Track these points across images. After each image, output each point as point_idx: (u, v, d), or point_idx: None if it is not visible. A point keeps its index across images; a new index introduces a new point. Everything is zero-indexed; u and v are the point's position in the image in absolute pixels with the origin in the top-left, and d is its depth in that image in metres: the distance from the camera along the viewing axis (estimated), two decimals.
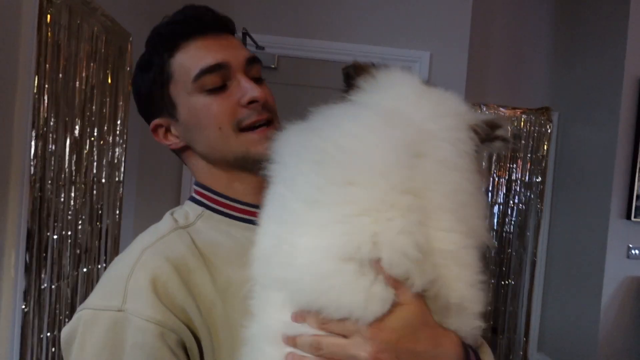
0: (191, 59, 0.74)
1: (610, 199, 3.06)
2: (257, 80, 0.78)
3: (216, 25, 0.77)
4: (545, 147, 3.70)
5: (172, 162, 2.86)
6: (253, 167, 0.73)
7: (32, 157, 1.65)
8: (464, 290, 0.61)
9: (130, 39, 2.40)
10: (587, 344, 3.18)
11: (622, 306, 3.09)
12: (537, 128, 3.70)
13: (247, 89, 0.74)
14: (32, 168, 1.66)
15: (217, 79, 0.73)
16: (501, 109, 3.65)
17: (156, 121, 0.81)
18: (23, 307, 1.67)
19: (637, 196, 3.02)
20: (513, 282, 3.77)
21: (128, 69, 2.38)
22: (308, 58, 2.88)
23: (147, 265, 0.67)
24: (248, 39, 2.73)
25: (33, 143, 1.65)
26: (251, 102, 0.73)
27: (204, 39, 0.75)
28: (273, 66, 2.86)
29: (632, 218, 3.02)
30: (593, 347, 3.11)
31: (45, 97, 1.71)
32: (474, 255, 0.64)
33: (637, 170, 3.01)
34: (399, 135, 0.59)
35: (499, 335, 3.80)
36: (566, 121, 3.64)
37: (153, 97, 0.79)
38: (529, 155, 3.71)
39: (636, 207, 3.02)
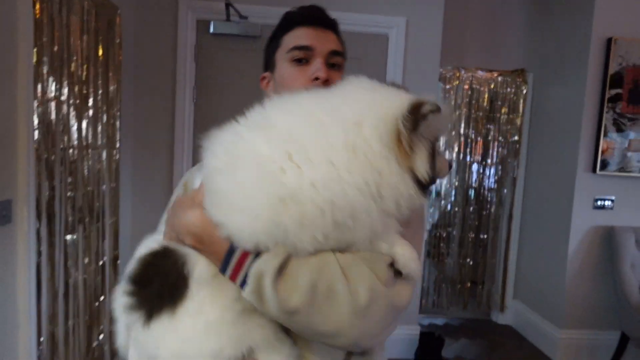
0: (293, 38, 1.02)
1: (577, 154, 3.26)
2: (334, 67, 1.02)
3: (322, 21, 1.03)
4: (522, 107, 3.87)
5: (163, 124, 3.04)
6: None
7: (35, 124, 1.83)
8: None
9: (119, 12, 2.53)
10: (555, 289, 3.45)
11: (588, 254, 3.33)
12: (513, 89, 3.86)
13: (317, 69, 0.99)
14: (36, 133, 1.84)
15: (301, 55, 1.00)
16: (479, 71, 3.81)
17: (264, 74, 1.11)
18: (37, 259, 1.89)
19: (602, 151, 3.22)
20: (491, 236, 4.02)
21: (117, 40, 2.53)
22: None
23: None
24: (232, 9, 2.86)
25: (35, 110, 1.83)
26: (316, 79, 0.98)
27: (308, 28, 1.02)
28: (257, 35, 2.99)
29: (597, 171, 3.23)
30: (561, 293, 3.37)
31: (45, 67, 1.88)
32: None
33: (602, 126, 3.20)
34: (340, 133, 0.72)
35: (479, 286, 4.07)
36: (540, 82, 3.80)
37: (268, 57, 1.10)
38: (505, 115, 3.89)
39: (601, 160, 3.23)
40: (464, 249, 4.02)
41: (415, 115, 0.70)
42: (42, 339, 1.97)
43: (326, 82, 0.98)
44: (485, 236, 4.02)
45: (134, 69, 2.97)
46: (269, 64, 1.09)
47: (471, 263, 4.03)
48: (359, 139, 0.71)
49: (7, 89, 1.70)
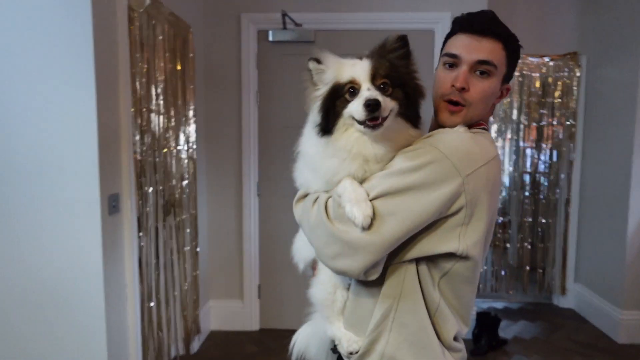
0: (451, 43, 1.12)
1: (633, 135, 3.25)
2: (481, 75, 1.08)
3: (480, 29, 1.07)
4: (576, 91, 3.87)
5: (231, 125, 3.40)
6: (438, 122, 1.15)
7: (133, 129, 2.22)
8: None
9: (191, 29, 2.91)
10: (616, 271, 3.44)
11: None
12: (566, 73, 3.87)
13: (456, 77, 1.08)
14: (134, 137, 2.23)
15: (450, 61, 1.10)
16: (529, 57, 3.86)
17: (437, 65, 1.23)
18: (139, 240, 2.29)
19: None
20: (550, 220, 4.05)
21: (191, 55, 2.90)
22: (341, 30, 3.27)
23: None
24: (287, 18, 3.16)
25: (132, 118, 2.22)
26: (453, 85, 1.08)
27: (466, 35, 1.08)
28: (311, 40, 3.27)
29: None
30: (622, 274, 3.37)
31: (138, 82, 2.26)
32: None
33: None
34: None
35: (539, 270, 4.11)
36: (594, 64, 3.78)
37: (441, 51, 1.19)
38: (559, 99, 3.91)
39: None
40: (522, 234, 4.08)
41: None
42: (151, 304, 2.37)
43: (463, 90, 1.07)
44: (544, 220, 4.06)
45: (205, 78, 3.35)
46: (440, 57, 1.19)
47: (529, 248, 4.08)
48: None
49: (112, 101, 2.09)
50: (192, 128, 2.96)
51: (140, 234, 2.32)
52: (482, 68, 1.07)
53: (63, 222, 1.99)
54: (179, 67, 2.75)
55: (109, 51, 2.05)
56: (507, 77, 1.14)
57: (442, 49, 1.17)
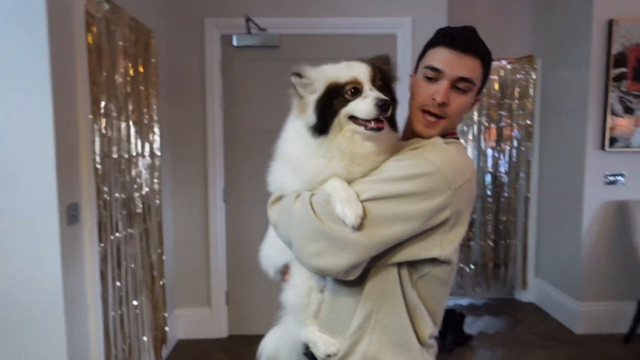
0: (432, 56, 1.14)
1: (586, 133, 3.41)
2: (459, 90, 1.11)
3: (463, 45, 1.10)
4: (532, 92, 4.03)
5: (196, 131, 3.37)
6: (412, 132, 1.18)
7: (93, 137, 2.17)
8: None
9: (153, 34, 2.86)
10: (573, 265, 3.60)
11: (602, 228, 3.47)
12: (523, 75, 4.02)
13: (436, 91, 1.11)
14: (94, 145, 2.18)
15: (431, 74, 1.12)
16: None
17: (411, 72, 1.25)
18: (101, 250, 2.23)
19: (610, 129, 3.35)
20: (511, 218, 4.19)
21: (153, 60, 2.86)
22: (305, 34, 3.29)
23: None
24: (251, 23, 3.16)
25: (91, 125, 2.17)
26: (433, 98, 1.11)
27: (448, 50, 1.10)
28: (276, 45, 3.28)
29: (607, 148, 3.37)
30: (578, 267, 3.52)
31: (97, 88, 2.21)
32: None
33: (608, 104, 3.34)
34: None
35: (501, 267, 4.25)
36: (548, 66, 3.94)
37: (417, 61, 1.22)
38: (516, 101, 4.05)
39: (610, 138, 3.36)
40: (485, 232, 4.20)
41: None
42: (115, 313, 2.32)
43: (443, 105, 1.10)
44: (505, 218, 4.20)
45: (169, 84, 3.31)
46: (416, 67, 1.21)
47: (492, 245, 4.22)
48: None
49: (69, 109, 2.03)
50: (155, 134, 2.91)
51: (102, 244, 2.26)
52: (462, 85, 1.11)
53: (20, 233, 1.92)
54: (141, 73, 2.71)
55: (65, 57, 2.00)
56: (480, 90, 1.19)
57: (420, 56, 1.20)
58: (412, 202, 0.99)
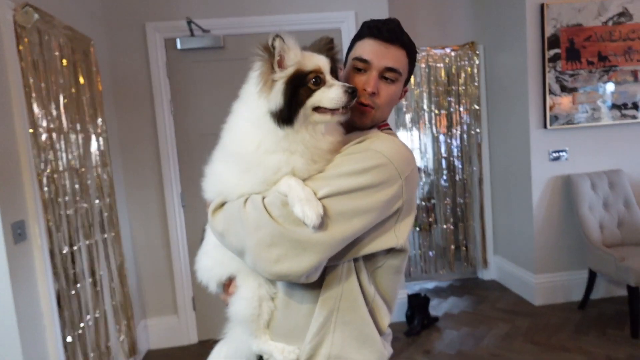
0: (360, 48, 1.15)
1: (528, 113, 3.56)
2: (387, 80, 1.14)
3: (388, 36, 1.12)
4: (477, 78, 4.17)
5: (147, 137, 3.31)
6: (347, 124, 1.14)
7: (35, 151, 2.11)
8: None
9: (92, 42, 2.80)
10: (526, 240, 3.76)
11: (550, 203, 3.64)
12: (467, 61, 4.15)
13: (367, 81, 1.12)
14: (37, 159, 2.12)
15: (360, 65, 1.13)
16: (433, 50, 4.09)
17: (340, 66, 1.19)
18: (54, 266, 2.18)
19: (550, 107, 3.52)
20: (467, 201, 4.32)
21: (94, 69, 2.79)
22: (249, 34, 3.29)
23: None
24: (194, 25, 3.13)
25: (32, 139, 2.10)
26: (364, 89, 1.12)
27: (375, 41, 1.13)
28: (220, 46, 3.26)
29: (548, 127, 3.53)
30: (531, 242, 3.68)
31: (35, 101, 2.15)
32: None
33: (546, 85, 3.50)
34: None
35: (462, 248, 4.38)
36: (489, 51, 4.09)
37: (346, 54, 1.23)
38: (463, 87, 4.18)
39: (551, 116, 3.53)
40: (443, 216, 4.33)
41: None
42: (70, 332, 2.26)
43: (373, 95, 1.13)
44: (462, 201, 4.33)
45: (114, 91, 3.24)
46: (345, 61, 1.22)
47: (452, 228, 4.34)
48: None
49: (5, 124, 1.97)
50: (104, 143, 2.85)
51: (55, 259, 2.20)
52: (389, 75, 1.14)
53: None
54: (82, 82, 2.64)
55: None
56: (407, 81, 1.22)
57: (349, 50, 1.22)
58: (368, 194, 0.99)
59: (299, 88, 1.00)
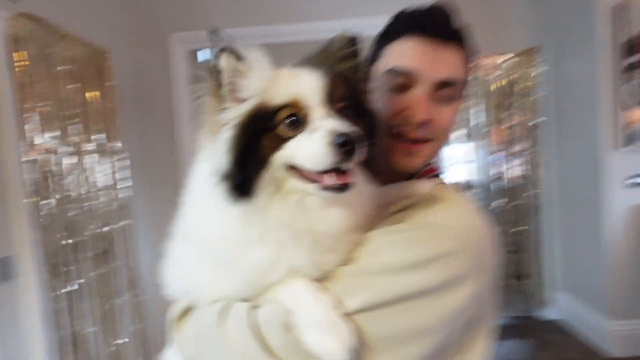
0: (396, 53, 0.79)
1: (597, 131, 3.04)
2: (443, 99, 0.79)
3: (444, 32, 0.79)
4: (538, 88, 3.67)
5: (166, 155, 3.08)
6: (384, 167, 0.77)
7: (32, 177, 1.88)
8: None
9: (108, 55, 2.58)
10: (597, 278, 3.21)
11: (627, 236, 3.08)
12: (525, 70, 3.67)
13: (413, 105, 0.76)
14: (34, 186, 1.89)
15: (399, 80, 0.78)
16: (486, 58, 3.65)
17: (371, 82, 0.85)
18: (44, 308, 1.93)
19: (624, 125, 2.98)
20: (525, 227, 3.81)
21: (109, 83, 2.57)
22: (278, 43, 2.99)
23: None
24: (216, 35, 2.87)
25: (28, 165, 1.88)
26: (408, 116, 0.77)
27: (422, 40, 0.77)
28: None
29: (624, 147, 2.99)
30: (603, 281, 3.13)
31: (36, 121, 1.93)
32: None
33: (620, 99, 2.97)
34: None
35: (520, 281, 3.85)
36: (553, 59, 3.59)
37: (372, 58, 0.85)
38: (521, 100, 3.70)
39: (626, 136, 2.98)
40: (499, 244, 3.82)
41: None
42: None
43: (424, 124, 0.77)
44: (519, 228, 3.82)
45: (134, 106, 3.03)
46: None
47: (508, 258, 3.84)
48: None
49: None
50: (121, 162, 2.62)
51: (52, 297, 1.96)
52: (446, 92, 0.78)
53: None
54: (93, 97, 2.42)
55: None
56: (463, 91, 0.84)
57: (373, 57, 0.83)
58: (431, 303, 0.64)
59: (261, 135, 0.63)
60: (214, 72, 0.63)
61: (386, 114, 0.79)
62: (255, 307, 0.65)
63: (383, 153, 0.80)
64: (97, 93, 2.45)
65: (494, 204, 3.81)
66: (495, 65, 3.68)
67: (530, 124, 3.72)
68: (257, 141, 0.63)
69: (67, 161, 2.15)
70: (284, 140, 0.63)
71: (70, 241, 2.14)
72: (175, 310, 0.75)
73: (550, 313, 3.84)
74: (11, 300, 1.80)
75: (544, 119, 3.70)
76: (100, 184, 2.41)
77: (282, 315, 0.62)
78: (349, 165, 0.62)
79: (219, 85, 0.64)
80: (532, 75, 3.67)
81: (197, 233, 0.71)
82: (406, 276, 0.62)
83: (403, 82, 0.78)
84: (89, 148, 2.34)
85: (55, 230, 2.02)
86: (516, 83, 3.70)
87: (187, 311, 0.74)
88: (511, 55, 3.66)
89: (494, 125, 3.75)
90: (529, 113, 3.71)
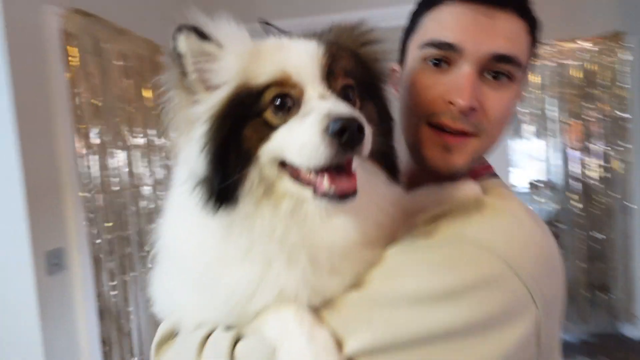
0: (435, 22, 0.66)
1: None
2: (497, 79, 0.63)
3: None
4: (624, 78, 3.27)
5: None
6: (420, 164, 0.65)
7: (85, 173, 1.89)
8: None
9: (161, 49, 2.58)
10: None
11: None
12: (610, 57, 3.28)
13: (456, 86, 0.62)
14: (85, 182, 1.90)
15: (440, 54, 0.64)
16: (562, 43, 3.30)
17: (393, 65, 0.73)
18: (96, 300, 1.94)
19: None
20: (608, 234, 3.41)
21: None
22: None
23: None
24: (270, 27, 2.80)
25: (79, 161, 1.89)
26: (450, 101, 0.62)
27: (471, 6, 0.63)
28: None
29: None
30: None
31: (87, 117, 1.94)
32: None
33: None
34: None
35: (600, 293, 3.46)
36: None
37: (402, 42, 0.73)
38: (604, 90, 3.32)
39: None
40: (574, 252, 3.45)
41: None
42: None
43: (472, 111, 0.61)
44: (600, 234, 3.43)
45: None
46: (402, 52, 0.72)
47: (585, 267, 3.46)
48: None
49: (43, 142, 1.76)
50: (167, 157, 2.61)
51: (106, 290, 1.96)
52: (501, 68, 0.62)
53: None
54: (149, 93, 2.43)
55: (35, 87, 1.73)
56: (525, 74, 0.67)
57: (408, 31, 0.69)
58: (464, 347, 0.49)
59: (243, 123, 0.50)
60: (176, 58, 0.52)
61: (426, 98, 0.63)
62: (239, 337, 0.52)
63: (418, 144, 0.64)
64: (151, 89, 2.45)
65: (568, 206, 3.45)
66: (571, 51, 3.32)
67: (613, 117, 3.32)
68: (239, 133, 0.50)
69: (117, 156, 2.15)
70: (271, 128, 0.50)
71: (120, 234, 2.15)
72: (157, 335, 0.64)
73: (635, 331, 3.42)
74: (64, 291, 1.82)
75: (632, 112, 3.29)
76: (149, 180, 2.41)
77: (265, 354, 0.48)
78: (351, 158, 0.47)
79: (183, 74, 0.52)
80: (616, 62, 3.27)
81: (174, 248, 0.59)
82: (430, 310, 0.47)
83: (444, 56, 0.63)
84: (140, 144, 2.35)
85: (103, 223, 2.03)
86: (595, 73, 3.32)
87: (170, 336, 0.63)
88: (589, 40, 3.28)
89: (572, 118, 3.39)
90: (612, 106, 3.32)
